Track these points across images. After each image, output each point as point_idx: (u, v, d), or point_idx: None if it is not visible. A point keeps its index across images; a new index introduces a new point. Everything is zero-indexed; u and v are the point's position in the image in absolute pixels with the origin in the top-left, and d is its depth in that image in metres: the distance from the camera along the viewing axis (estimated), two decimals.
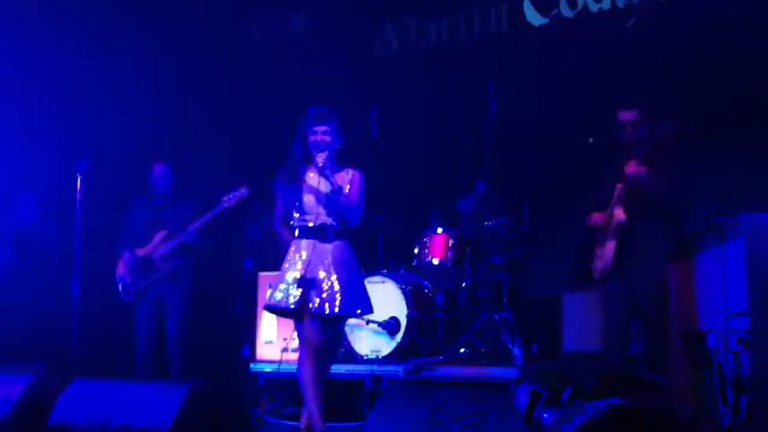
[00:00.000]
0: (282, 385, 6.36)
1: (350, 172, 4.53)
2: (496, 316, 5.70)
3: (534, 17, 7.11)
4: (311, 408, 4.35)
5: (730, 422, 3.30)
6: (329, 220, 4.44)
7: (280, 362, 5.95)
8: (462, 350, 5.73)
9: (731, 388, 3.30)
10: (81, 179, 5.58)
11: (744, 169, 5.65)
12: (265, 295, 6.37)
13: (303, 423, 4.45)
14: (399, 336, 5.95)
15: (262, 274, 6.54)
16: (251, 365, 6.30)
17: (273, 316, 6.34)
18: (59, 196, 6.74)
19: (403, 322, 5.94)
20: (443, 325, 5.99)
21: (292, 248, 4.49)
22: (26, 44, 7.52)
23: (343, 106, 4.72)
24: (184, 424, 3.25)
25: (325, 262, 4.38)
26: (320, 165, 4.37)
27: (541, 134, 6.49)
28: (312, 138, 4.44)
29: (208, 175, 6.27)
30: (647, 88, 5.89)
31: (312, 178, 4.50)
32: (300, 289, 4.31)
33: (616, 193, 4.67)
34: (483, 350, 5.54)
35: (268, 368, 6.19)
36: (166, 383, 4.69)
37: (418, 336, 6.01)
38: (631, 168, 4.52)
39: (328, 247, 4.41)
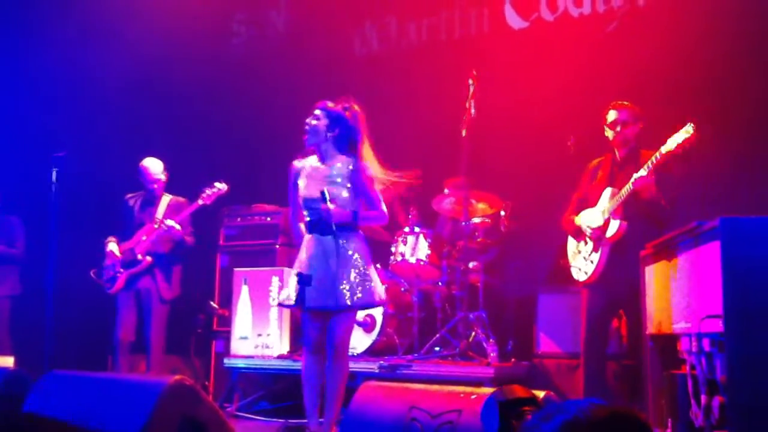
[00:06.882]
0: (256, 380, 6.35)
1: (350, 161, 4.46)
2: (471, 315, 5.72)
3: (514, 20, 7.13)
4: (307, 406, 4.31)
5: (703, 425, 3.33)
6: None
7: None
8: (437, 348, 5.75)
9: (704, 391, 3.33)
10: (56, 172, 5.53)
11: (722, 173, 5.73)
12: (240, 291, 6.40)
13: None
14: (375, 333, 5.97)
15: (237, 270, 6.53)
16: (225, 361, 6.28)
17: (248, 312, 6.34)
18: (31, 189, 6.69)
19: (379, 319, 5.96)
20: (419, 323, 6.01)
21: (302, 244, 4.43)
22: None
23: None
24: (157, 423, 3.21)
25: (325, 256, 4.27)
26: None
27: (520, 136, 6.52)
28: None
29: (196, 172, 6.26)
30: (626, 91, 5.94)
31: (311, 171, 4.46)
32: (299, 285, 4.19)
33: (615, 202, 4.59)
34: (458, 349, 5.55)
35: (242, 364, 6.17)
36: (141, 379, 4.65)
37: (394, 334, 6.03)
38: (641, 180, 4.40)
39: (330, 240, 4.28)
